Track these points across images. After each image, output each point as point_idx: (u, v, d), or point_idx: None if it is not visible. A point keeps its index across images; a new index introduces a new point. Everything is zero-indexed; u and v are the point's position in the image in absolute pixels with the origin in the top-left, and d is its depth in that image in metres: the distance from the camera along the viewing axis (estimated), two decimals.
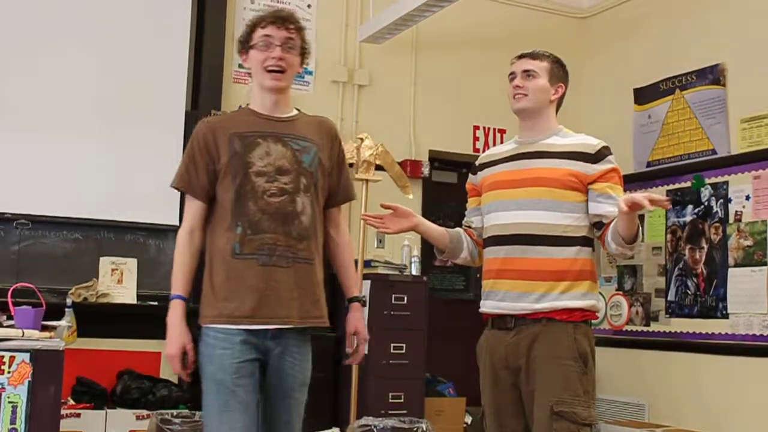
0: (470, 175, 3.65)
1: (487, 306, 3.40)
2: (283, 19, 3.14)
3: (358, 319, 3.50)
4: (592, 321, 3.36)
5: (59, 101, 6.35)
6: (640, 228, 3.19)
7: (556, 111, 3.52)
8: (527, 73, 3.42)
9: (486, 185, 3.47)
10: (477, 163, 3.62)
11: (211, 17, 6.89)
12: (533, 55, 3.46)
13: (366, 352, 3.70)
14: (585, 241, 3.32)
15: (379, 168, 6.14)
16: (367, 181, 6.10)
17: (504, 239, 3.32)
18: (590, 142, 3.37)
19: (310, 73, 7.23)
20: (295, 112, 3.34)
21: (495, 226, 3.38)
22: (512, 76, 3.47)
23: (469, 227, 3.63)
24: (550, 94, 3.43)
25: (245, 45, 3.18)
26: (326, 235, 3.35)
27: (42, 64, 6.32)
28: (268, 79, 3.13)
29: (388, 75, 7.42)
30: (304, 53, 3.25)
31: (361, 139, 6.12)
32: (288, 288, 3.14)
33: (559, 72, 3.47)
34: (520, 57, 3.49)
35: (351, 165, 6.06)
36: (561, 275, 3.24)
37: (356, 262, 6.03)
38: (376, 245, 7.05)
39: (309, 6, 7.29)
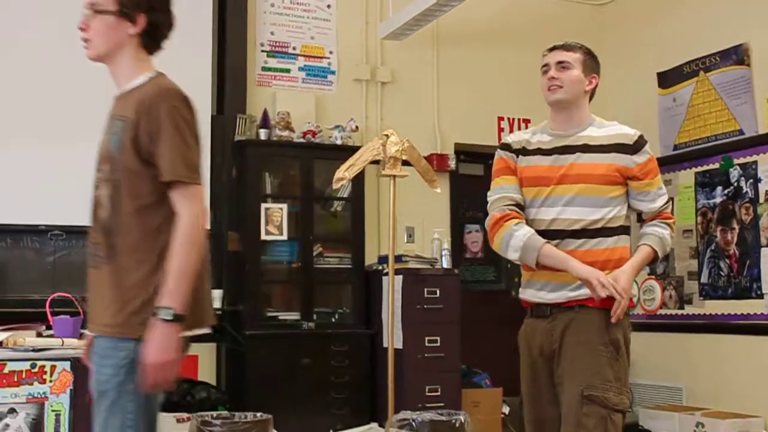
0: (505, 152, 3.48)
1: (526, 294, 3.39)
2: None
3: (152, 340, 2.61)
4: (630, 308, 3.31)
5: (89, 114, 6.32)
6: (661, 253, 3.33)
7: (589, 102, 3.48)
8: (561, 65, 3.38)
9: (526, 177, 3.39)
10: (512, 143, 3.47)
11: (233, 22, 6.90)
12: (566, 47, 3.43)
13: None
14: (623, 230, 3.32)
15: (405, 163, 6.12)
16: (394, 176, 6.07)
17: (546, 233, 3.28)
18: (627, 132, 3.37)
19: (333, 72, 7.25)
20: (137, 82, 2.94)
21: (537, 221, 3.33)
22: (546, 68, 3.42)
23: (518, 205, 3.39)
24: (585, 85, 3.39)
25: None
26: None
27: (72, 77, 6.34)
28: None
29: (411, 71, 7.42)
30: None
31: (387, 136, 6.09)
32: (91, 290, 2.91)
33: (591, 63, 3.45)
34: (553, 49, 3.45)
35: (377, 162, 6.07)
36: (602, 265, 3.22)
37: (386, 257, 6.12)
38: (405, 240, 7.05)
39: (329, 6, 7.30)
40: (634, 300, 7.31)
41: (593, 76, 3.43)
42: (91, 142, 6.24)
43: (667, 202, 3.41)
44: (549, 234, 3.27)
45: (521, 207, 3.36)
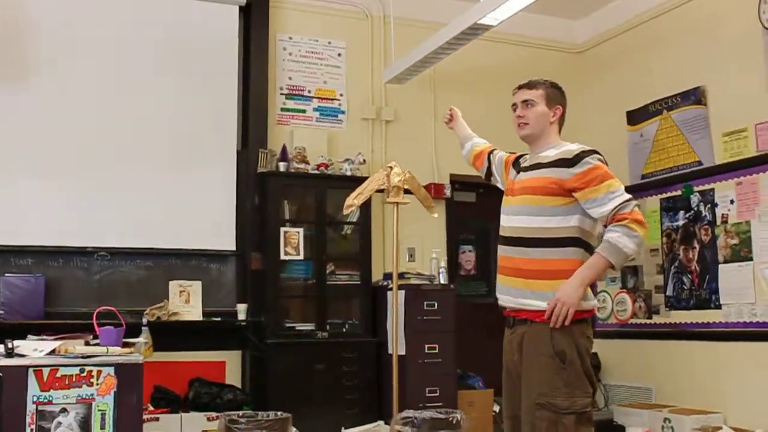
0: (512, 155, 3.63)
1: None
2: None
3: None
4: (585, 317, 3.22)
5: (131, 149, 6.42)
6: (611, 256, 3.12)
7: (560, 127, 3.45)
8: (526, 103, 3.39)
9: (507, 188, 3.49)
10: (519, 157, 3.54)
11: (256, 69, 6.93)
12: (529, 85, 3.43)
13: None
14: (575, 242, 3.20)
15: (407, 192, 6.14)
16: (397, 203, 6.09)
17: (504, 240, 3.33)
18: (571, 149, 3.27)
19: (343, 112, 7.27)
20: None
21: (501, 227, 3.39)
22: (514, 106, 3.44)
23: (492, 151, 3.84)
24: (550, 117, 3.38)
25: None
26: None
27: (114, 117, 6.41)
28: None
29: (411, 110, 7.44)
30: None
31: (391, 168, 6.10)
32: None
33: (555, 95, 3.42)
34: (519, 88, 3.46)
35: (382, 190, 6.09)
36: (552, 274, 3.16)
37: (391, 274, 6.13)
38: (407, 259, 7.05)
39: (339, 54, 7.34)
40: (606, 311, 7.30)
41: (557, 107, 3.41)
42: (127, 174, 6.36)
43: (620, 204, 3.12)
44: (505, 241, 3.33)
45: (492, 154, 3.85)
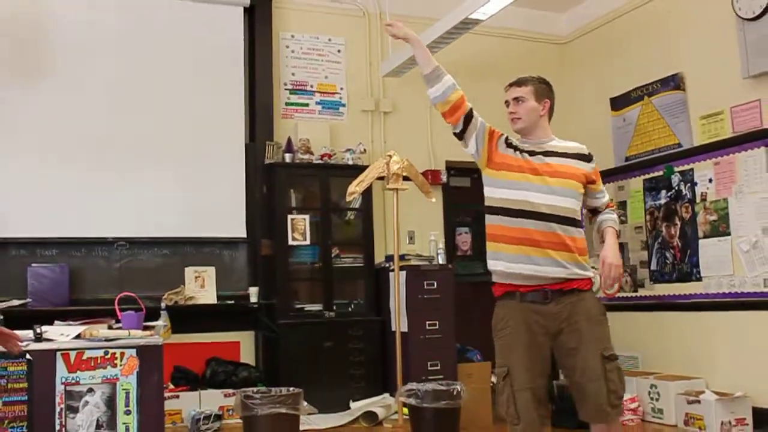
0: (503, 134, 3.48)
1: (525, 270, 3.30)
2: None
3: None
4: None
5: (146, 144, 6.45)
6: (619, 231, 3.50)
7: (549, 119, 3.51)
8: (517, 100, 3.45)
9: (512, 165, 3.37)
10: (508, 139, 3.46)
11: (261, 66, 6.94)
12: (518, 83, 3.49)
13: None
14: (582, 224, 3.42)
15: (406, 178, 6.15)
16: (396, 189, 6.11)
17: (543, 216, 3.28)
18: (583, 147, 3.50)
19: (344, 105, 7.28)
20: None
21: (526, 202, 3.29)
22: (507, 103, 3.50)
23: (473, 114, 3.48)
24: (540, 110, 3.44)
25: None
26: None
27: (129, 114, 6.44)
28: None
29: (408, 102, 7.43)
30: None
31: (390, 156, 6.12)
32: None
33: (543, 90, 3.48)
34: (510, 86, 3.51)
35: (382, 178, 6.10)
36: (584, 251, 3.34)
37: (392, 256, 6.15)
38: (407, 242, 7.08)
39: (339, 51, 7.35)
40: (595, 286, 7.31)
41: (545, 101, 3.46)
42: (143, 167, 6.39)
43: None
44: (540, 216, 3.28)
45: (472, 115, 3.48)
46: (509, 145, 3.44)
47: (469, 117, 3.45)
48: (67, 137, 6.24)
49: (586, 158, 3.46)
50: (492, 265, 3.38)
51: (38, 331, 4.04)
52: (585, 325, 3.26)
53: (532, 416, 3.19)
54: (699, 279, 6.28)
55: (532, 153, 3.39)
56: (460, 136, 3.48)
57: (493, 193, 3.40)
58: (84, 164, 6.24)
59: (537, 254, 3.25)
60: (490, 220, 3.42)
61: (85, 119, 6.30)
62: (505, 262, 3.30)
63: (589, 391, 3.22)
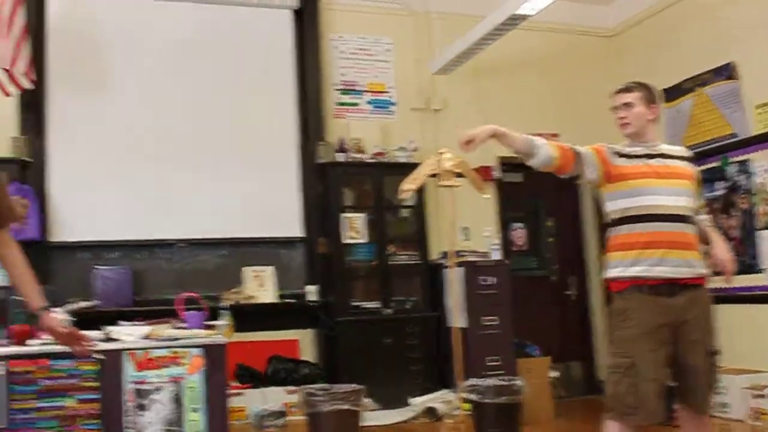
0: (607, 146, 3.46)
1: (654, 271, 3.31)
2: None
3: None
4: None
5: (203, 148, 6.52)
6: None
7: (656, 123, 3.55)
8: (626, 105, 3.46)
9: (630, 173, 3.37)
10: (614, 149, 3.45)
11: (311, 68, 6.95)
12: (627, 89, 3.50)
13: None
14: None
15: (459, 175, 6.09)
16: (450, 186, 6.06)
17: (668, 218, 3.31)
18: (687, 150, 3.59)
19: (394, 104, 7.25)
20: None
21: (652, 206, 3.32)
22: (615, 109, 3.50)
23: (577, 152, 3.40)
24: (648, 115, 3.46)
25: None
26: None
27: (188, 119, 6.51)
28: None
29: (458, 98, 7.37)
30: None
31: (442, 153, 6.07)
32: None
33: (650, 96, 3.49)
34: (618, 92, 3.52)
35: (435, 176, 6.05)
36: (697, 247, 3.37)
37: (447, 253, 6.09)
38: (462, 238, 7.00)
39: (387, 50, 7.32)
40: None
41: (654, 106, 3.49)
42: (201, 171, 6.46)
43: None
44: (665, 218, 3.32)
45: (578, 155, 3.42)
46: (620, 154, 3.43)
47: (575, 161, 3.42)
48: (125, 145, 6.34)
49: (691, 161, 3.52)
50: (619, 272, 3.34)
51: (106, 331, 4.08)
52: (703, 320, 3.34)
53: (652, 407, 3.19)
54: (760, 271, 6.12)
55: (649, 156, 3.41)
56: (576, 178, 3.56)
57: (615, 206, 3.41)
58: (143, 170, 6.34)
59: (668, 255, 3.28)
60: (616, 231, 3.40)
61: (142, 127, 6.40)
62: (637, 267, 3.29)
63: (699, 383, 3.31)
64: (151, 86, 6.48)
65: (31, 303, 2.71)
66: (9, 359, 3.82)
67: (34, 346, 3.93)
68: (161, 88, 6.50)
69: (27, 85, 5.94)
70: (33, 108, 6.21)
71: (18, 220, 2.84)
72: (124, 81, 6.44)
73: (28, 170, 6.11)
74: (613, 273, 3.36)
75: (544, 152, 3.35)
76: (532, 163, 3.39)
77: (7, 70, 5.80)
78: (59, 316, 3.99)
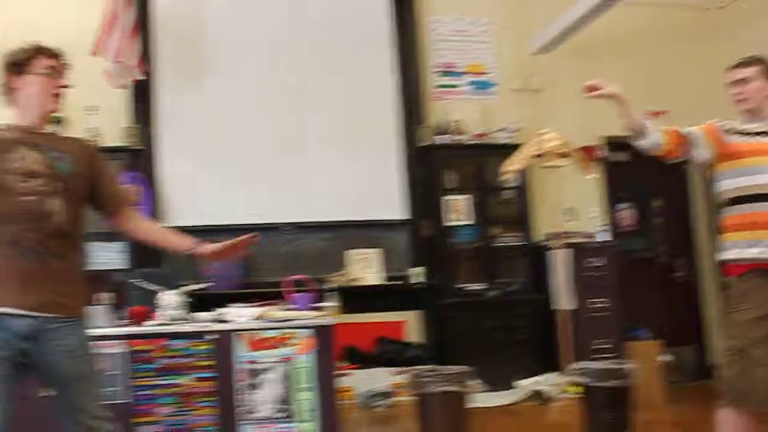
0: (718, 123, 3.36)
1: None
2: (59, 54, 2.79)
3: (206, 247, 2.87)
4: None
5: (307, 133, 6.60)
6: None
7: None
8: (742, 81, 3.33)
9: (744, 151, 3.26)
10: (726, 126, 3.34)
11: (409, 49, 6.94)
12: (743, 64, 3.37)
13: None
14: None
15: (562, 155, 5.97)
16: (554, 167, 5.95)
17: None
18: None
19: (494, 84, 7.17)
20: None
21: (766, 185, 3.21)
22: (731, 84, 3.37)
23: (686, 135, 3.31)
24: (766, 90, 3.33)
25: (20, 68, 2.70)
26: (132, 229, 2.91)
27: (289, 105, 6.60)
28: (52, 102, 2.73)
29: (559, 77, 7.20)
30: None
31: (545, 134, 5.97)
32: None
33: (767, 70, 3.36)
34: (734, 67, 3.38)
35: (538, 156, 5.94)
36: None
37: (553, 234, 5.98)
38: (567, 220, 6.86)
39: (486, 30, 7.23)
40: None
41: None
42: (309, 155, 6.54)
43: None
44: None
45: (688, 137, 3.30)
46: (734, 131, 3.31)
47: (685, 144, 3.31)
48: (230, 131, 6.47)
49: None
50: (736, 254, 3.23)
51: (220, 313, 4.17)
52: None
53: (765, 393, 3.06)
54: None
55: (766, 134, 3.27)
56: (687, 161, 3.43)
57: (730, 185, 3.28)
58: (249, 156, 6.46)
59: None
60: (731, 211, 3.28)
61: (247, 113, 6.52)
62: (755, 249, 3.18)
63: None
64: (254, 73, 6.59)
65: (182, 245, 2.86)
66: (129, 338, 3.95)
67: (152, 326, 4.06)
68: (264, 75, 6.60)
69: (137, 76, 6.14)
70: (143, 98, 6.41)
71: (132, 203, 2.96)
72: (229, 69, 6.57)
73: (140, 158, 6.31)
74: (729, 255, 3.24)
75: (654, 137, 3.27)
76: (639, 144, 3.30)
77: (119, 63, 6.00)
78: (173, 296, 4.13)
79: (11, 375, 2.53)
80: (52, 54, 2.74)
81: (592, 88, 3.25)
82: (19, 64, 2.70)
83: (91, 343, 2.73)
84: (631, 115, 3.27)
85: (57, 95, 2.74)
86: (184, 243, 2.86)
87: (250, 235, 2.88)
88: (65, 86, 2.76)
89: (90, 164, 2.78)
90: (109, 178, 2.88)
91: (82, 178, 2.73)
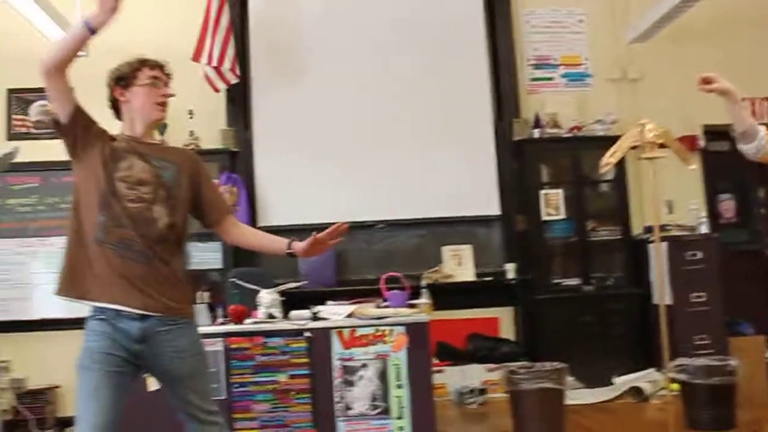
0: None
1: None
2: (162, 65, 2.90)
3: (299, 244, 2.91)
4: None
5: (399, 130, 6.63)
6: None
7: None
8: None
9: None
10: None
11: (503, 45, 6.88)
12: None
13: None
14: None
15: (661, 146, 5.83)
16: (652, 158, 5.81)
17: None
18: None
19: (589, 75, 7.04)
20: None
21: None
22: None
23: None
24: None
25: (126, 81, 2.82)
26: (233, 236, 3.01)
27: (381, 102, 6.64)
28: (157, 111, 2.84)
29: (657, 66, 7.02)
30: None
31: (643, 124, 5.84)
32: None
33: None
34: None
35: (636, 147, 5.81)
36: None
37: (651, 227, 5.84)
38: (666, 212, 6.70)
39: (580, 21, 7.10)
40: None
41: None
42: (398, 153, 6.58)
43: None
44: None
45: None
46: None
47: None
48: (324, 131, 6.57)
49: None
50: None
51: (314, 310, 4.26)
52: None
53: None
54: None
55: None
56: None
57: None
58: (343, 155, 6.56)
59: None
60: None
61: (341, 112, 6.61)
62: None
63: None
64: (347, 72, 6.66)
65: (281, 245, 2.93)
66: (227, 336, 4.08)
67: (249, 324, 4.18)
68: (357, 73, 6.66)
69: (233, 80, 6.32)
70: (238, 101, 6.59)
71: (232, 211, 3.09)
72: (322, 69, 6.66)
73: (237, 159, 6.49)
74: None
75: (761, 142, 3.11)
76: (745, 147, 3.15)
77: (215, 68, 6.19)
78: (270, 295, 4.24)
79: (122, 372, 2.65)
80: (156, 65, 2.86)
81: (706, 81, 3.11)
82: (125, 77, 2.82)
83: (201, 342, 2.85)
84: (741, 115, 3.13)
85: (162, 104, 2.86)
86: (281, 243, 2.94)
87: (339, 223, 2.93)
88: (169, 95, 2.88)
89: (193, 174, 2.89)
90: (211, 188, 3.00)
91: (186, 187, 2.85)
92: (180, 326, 2.74)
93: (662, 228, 6.13)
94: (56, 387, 6.13)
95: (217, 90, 6.31)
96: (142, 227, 2.69)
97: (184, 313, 2.78)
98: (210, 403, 2.80)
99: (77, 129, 2.69)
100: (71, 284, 2.68)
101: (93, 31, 2.56)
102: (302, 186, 6.46)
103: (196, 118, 6.35)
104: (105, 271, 2.65)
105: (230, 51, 6.26)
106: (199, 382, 2.79)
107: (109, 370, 2.61)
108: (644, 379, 5.81)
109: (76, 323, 6.40)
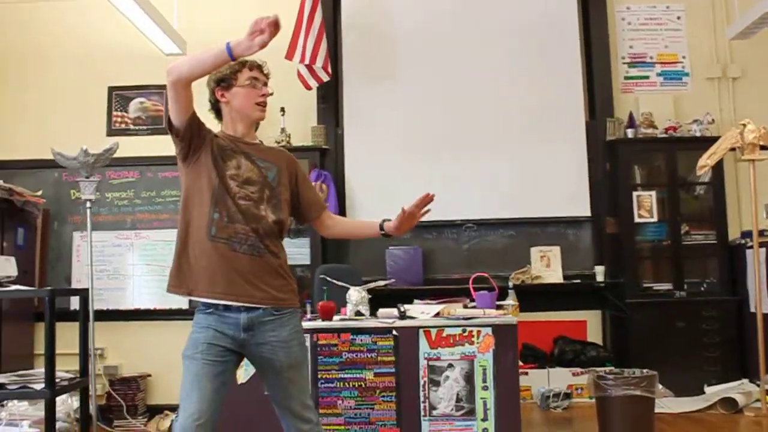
0: None
1: None
2: (261, 65, 2.96)
3: (390, 224, 3.15)
4: None
5: (490, 129, 6.62)
6: None
7: None
8: None
9: None
10: None
11: (597, 43, 6.78)
12: None
13: None
14: None
15: (763, 148, 5.65)
16: (753, 160, 5.64)
17: None
18: None
19: (687, 74, 6.87)
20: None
21: None
22: None
23: None
24: None
25: (227, 83, 2.91)
26: (332, 227, 3.15)
27: (473, 101, 6.64)
28: (258, 111, 2.92)
29: (759, 65, 6.81)
30: None
31: (744, 125, 5.67)
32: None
33: None
34: None
35: (734, 149, 5.65)
36: None
37: (750, 232, 5.66)
38: (766, 217, 6.48)
39: (678, 18, 6.93)
40: None
41: None
42: (492, 151, 6.55)
43: None
44: None
45: None
46: None
47: None
48: (414, 129, 6.62)
49: None
50: None
51: (402, 309, 4.28)
52: None
53: None
54: None
55: None
56: None
57: None
58: (432, 153, 6.58)
59: None
60: None
61: (431, 111, 6.64)
62: None
63: None
64: (437, 71, 6.68)
65: (375, 228, 3.16)
66: (315, 332, 4.15)
67: (337, 320, 4.24)
68: (449, 73, 6.67)
69: (325, 78, 6.41)
70: (329, 99, 6.69)
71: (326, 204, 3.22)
72: (413, 68, 6.71)
73: (327, 157, 6.59)
74: None
75: None
76: None
77: (307, 66, 6.29)
78: (358, 292, 4.29)
79: (223, 362, 2.74)
80: (255, 65, 2.95)
81: None
82: (226, 79, 2.92)
83: (302, 332, 2.92)
84: None
85: (262, 104, 2.95)
86: (375, 226, 3.12)
87: (424, 194, 3.07)
88: (269, 94, 2.97)
89: (291, 174, 2.99)
90: (308, 187, 3.11)
91: (286, 186, 2.95)
92: (284, 316, 2.83)
93: (761, 233, 5.94)
94: (147, 375, 6.35)
95: (309, 87, 6.42)
96: (253, 222, 2.79)
97: (291, 303, 2.87)
98: (307, 398, 2.87)
99: (192, 134, 2.80)
100: (181, 281, 2.79)
101: (234, 58, 2.63)
102: (391, 184, 6.49)
103: (287, 114, 6.47)
104: (215, 265, 2.75)
105: (323, 49, 6.36)
106: (299, 374, 2.86)
107: (211, 360, 2.70)
108: (737, 389, 5.65)
109: (168, 314, 6.70)
